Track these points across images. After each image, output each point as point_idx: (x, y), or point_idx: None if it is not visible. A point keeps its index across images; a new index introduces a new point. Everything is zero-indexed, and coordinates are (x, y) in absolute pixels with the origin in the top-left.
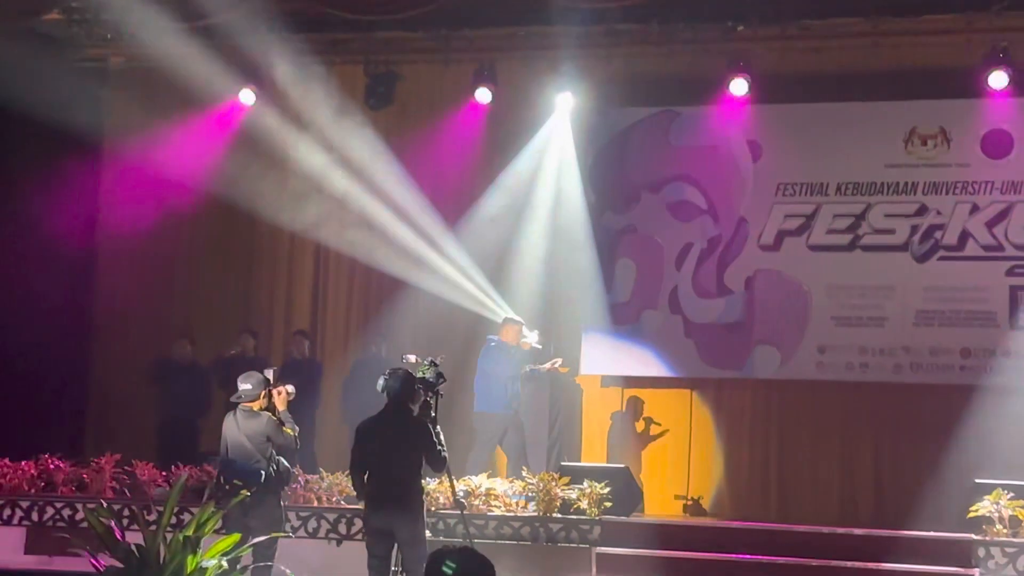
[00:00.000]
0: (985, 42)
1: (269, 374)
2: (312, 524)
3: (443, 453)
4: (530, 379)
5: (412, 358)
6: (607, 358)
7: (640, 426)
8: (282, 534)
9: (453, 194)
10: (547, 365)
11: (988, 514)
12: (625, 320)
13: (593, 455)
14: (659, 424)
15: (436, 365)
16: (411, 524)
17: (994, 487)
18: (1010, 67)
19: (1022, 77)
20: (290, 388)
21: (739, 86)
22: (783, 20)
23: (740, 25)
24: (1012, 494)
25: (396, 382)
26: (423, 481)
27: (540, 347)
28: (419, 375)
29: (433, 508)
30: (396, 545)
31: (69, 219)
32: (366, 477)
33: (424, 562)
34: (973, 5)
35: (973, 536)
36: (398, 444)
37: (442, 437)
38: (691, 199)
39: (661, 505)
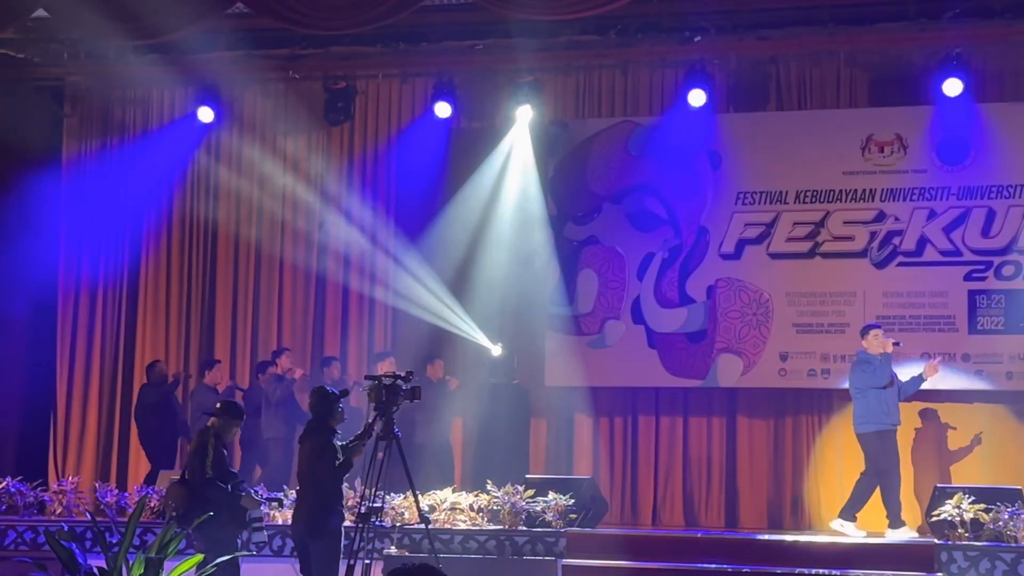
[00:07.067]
0: (938, 49)
1: None
2: (277, 543)
3: (340, 464)
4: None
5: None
6: (570, 369)
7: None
8: (239, 554)
9: (414, 208)
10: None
11: (950, 518)
12: (588, 331)
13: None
14: None
15: (369, 382)
16: (320, 539)
17: (955, 491)
18: (963, 74)
19: (975, 83)
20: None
21: (697, 96)
22: (740, 30)
23: (697, 36)
24: (973, 498)
25: (313, 400)
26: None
27: (900, 344)
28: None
29: (398, 523)
30: None
31: (30, 241)
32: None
33: None
34: (926, 13)
35: (935, 540)
36: (309, 460)
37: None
38: (652, 209)
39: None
